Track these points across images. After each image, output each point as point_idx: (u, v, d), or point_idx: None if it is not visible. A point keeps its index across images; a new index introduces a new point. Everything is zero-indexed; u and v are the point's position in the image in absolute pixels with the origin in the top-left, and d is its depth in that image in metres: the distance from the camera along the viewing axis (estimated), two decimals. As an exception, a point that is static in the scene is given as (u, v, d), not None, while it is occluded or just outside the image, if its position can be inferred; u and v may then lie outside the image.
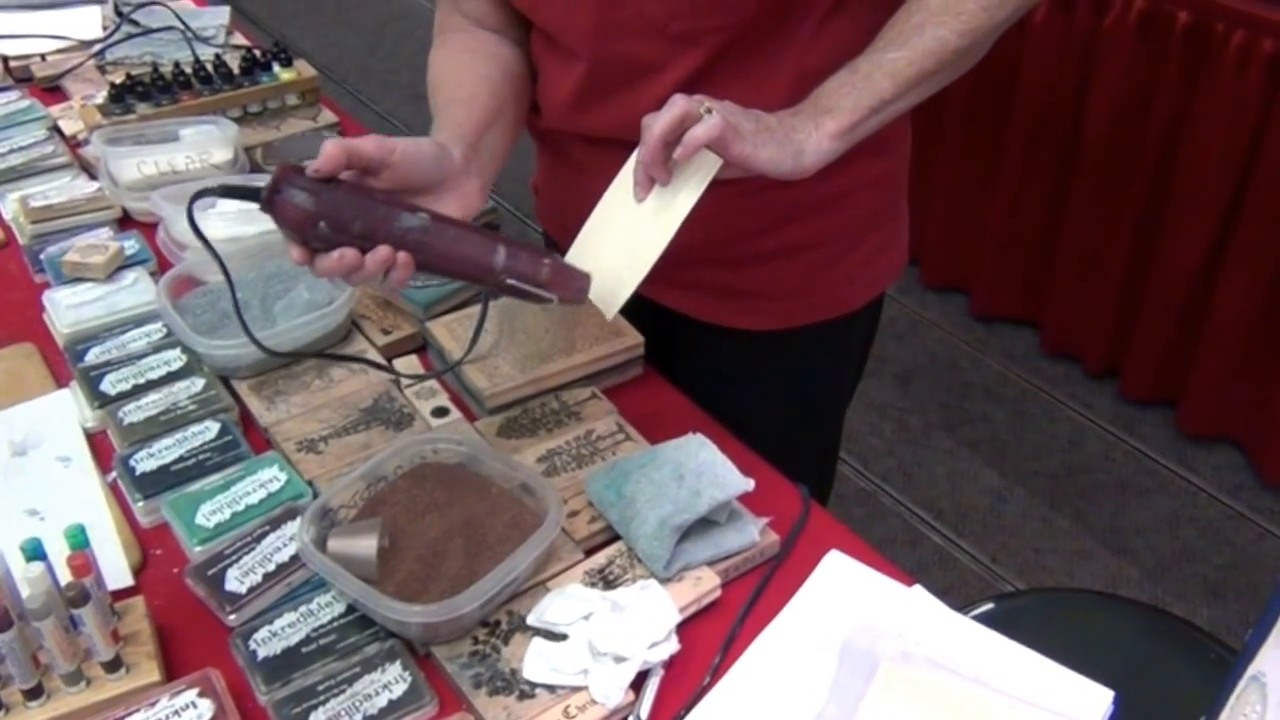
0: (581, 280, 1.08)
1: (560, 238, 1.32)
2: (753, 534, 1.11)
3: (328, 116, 1.82)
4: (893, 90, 1.08)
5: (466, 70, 1.23)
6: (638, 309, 1.18)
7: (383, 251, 0.98)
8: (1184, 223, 2.58)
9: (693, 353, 1.47)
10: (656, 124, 1.00)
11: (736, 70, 1.18)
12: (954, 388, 3.02)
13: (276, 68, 1.80)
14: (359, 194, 0.99)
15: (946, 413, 2.94)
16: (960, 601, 1.41)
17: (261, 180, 1.01)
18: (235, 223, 1.44)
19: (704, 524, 1.09)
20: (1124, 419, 2.89)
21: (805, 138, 1.06)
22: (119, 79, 1.77)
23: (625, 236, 1.09)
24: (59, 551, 0.95)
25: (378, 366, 1.31)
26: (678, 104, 1.00)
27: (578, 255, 1.12)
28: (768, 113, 1.06)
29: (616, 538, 1.12)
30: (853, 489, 2.72)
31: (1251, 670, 0.87)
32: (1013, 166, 2.88)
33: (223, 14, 2.08)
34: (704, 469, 1.12)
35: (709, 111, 1.00)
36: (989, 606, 1.44)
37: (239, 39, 2.04)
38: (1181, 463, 2.77)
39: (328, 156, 0.96)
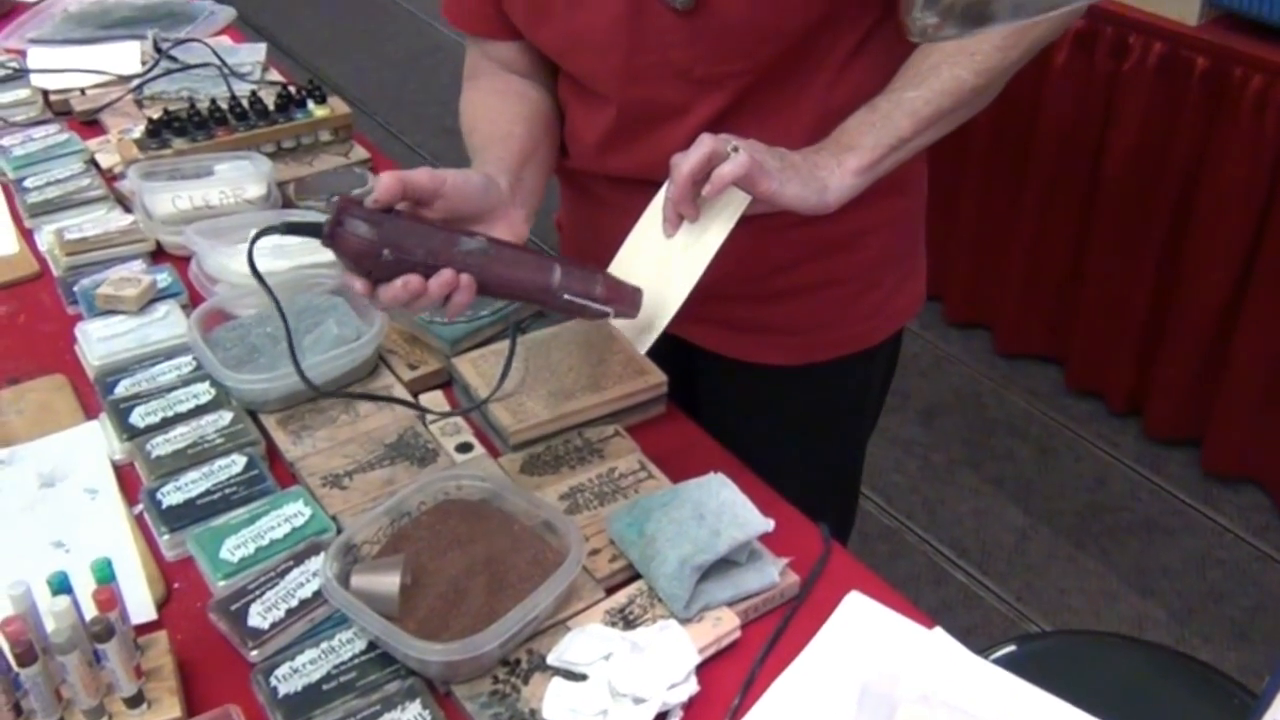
0: (634, 294, 1.11)
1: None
2: (773, 574, 1.11)
3: (359, 152, 1.84)
4: (911, 128, 1.11)
5: (500, 111, 1.26)
6: (660, 346, 1.19)
7: (446, 274, 1.01)
8: (1205, 261, 2.58)
9: (714, 387, 1.48)
10: (685, 163, 1.02)
11: (759, 111, 1.20)
12: (978, 424, 3.01)
13: (311, 104, 1.83)
14: (417, 222, 1.03)
15: (971, 449, 2.93)
16: (984, 641, 1.41)
17: (312, 215, 1.03)
18: (267, 257, 1.45)
19: (724, 564, 1.10)
20: (1149, 457, 2.88)
21: (829, 174, 1.08)
22: (156, 114, 1.80)
23: (656, 272, 1.11)
24: (85, 584, 0.96)
25: (405, 404, 1.32)
26: (705, 143, 1.02)
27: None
28: (791, 150, 1.08)
29: (637, 576, 1.12)
30: (876, 526, 2.71)
31: (1269, 717, 0.87)
32: (1035, 204, 2.88)
33: (259, 50, 2.11)
34: (724, 509, 1.12)
35: (736, 150, 1.02)
36: (1011, 649, 1.43)
37: (274, 75, 2.06)
38: (1207, 502, 2.75)
39: (384, 188, 0.99)
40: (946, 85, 1.11)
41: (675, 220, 1.08)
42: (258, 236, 1.06)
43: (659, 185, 1.16)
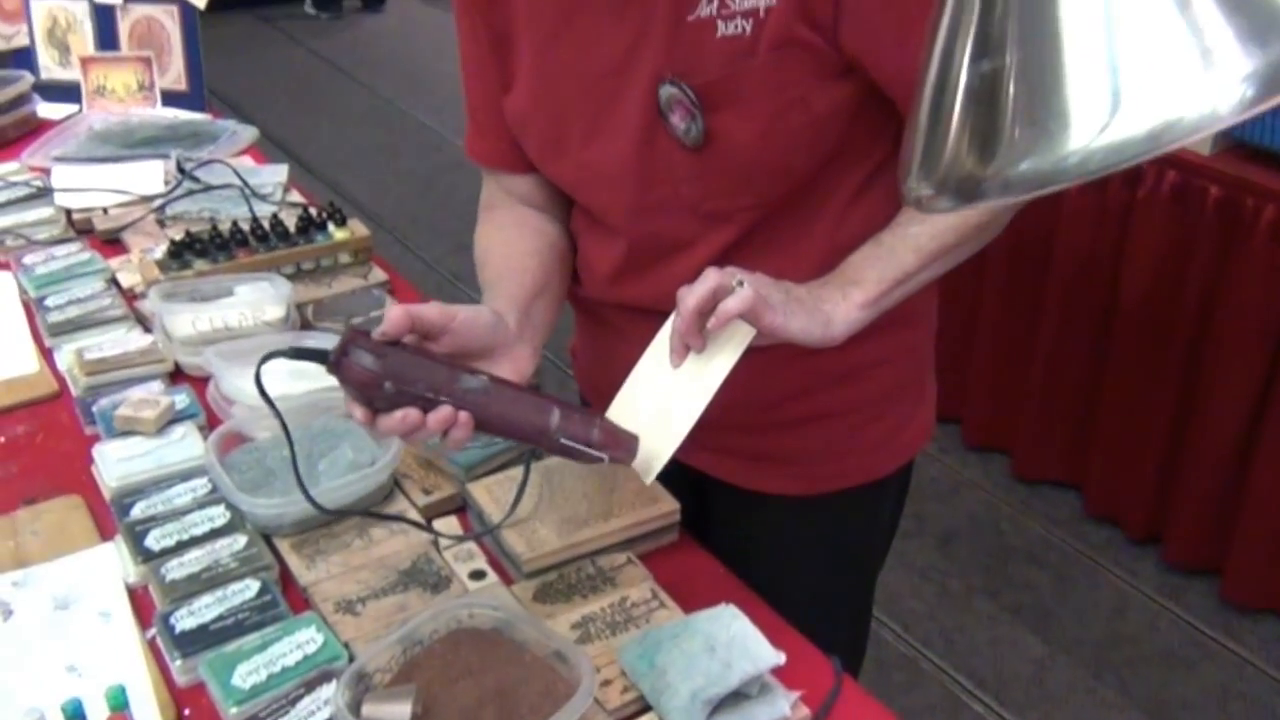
0: (630, 441, 1.11)
1: (597, 401, 1.35)
2: (784, 708, 1.09)
3: (378, 275, 1.86)
4: (916, 263, 1.13)
5: (514, 244, 1.28)
6: (672, 473, 1.20)
7: (445, 411, 1.02)
8: (1222, 389, 2.58)
9: (725, 515, 1.48)
10: (691, 296, 1.03)
11: (768, 245, 1.21)
12: (996, 551, 2.98)
13: (331, 227, 1.86)
14: (421, 357, 1.04)
15: (988, 576, 2.90)
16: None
17: (321, 340, 1.05)
18: (284, 380, 1.47)
19: (735, 697, 1.08)
20: (1169, 587, 2.84)
21: (834, 308, 1.10)
22: (178, 233, 1.83)
23: (662, 402, 1.12)
24: (98, 711, 0.95)
25: (419, 526, 1.32)
26: (710, 277, 1.03)
27: (615, 418, 1.14)
28: (797, 284, 1.09)
29: (649, 708, 1.11)
30: (893, 653, 2.68)
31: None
32: (1052, 328, 2.89)
33: (281, 172, 2.15)
34: (736, 641, 1.11)
35: (741, 284, 1.03)
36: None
37: (295, 195, 2.10)
38: (1228, 634, 2.71)
39: (392, 321, 1.01)
40: (951, 221, 1.13)
41: (681, 351, 1.09)
42: (264, 360, 1.07)
43: (670, 315, 1.17)
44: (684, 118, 1.12)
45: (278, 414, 1.13)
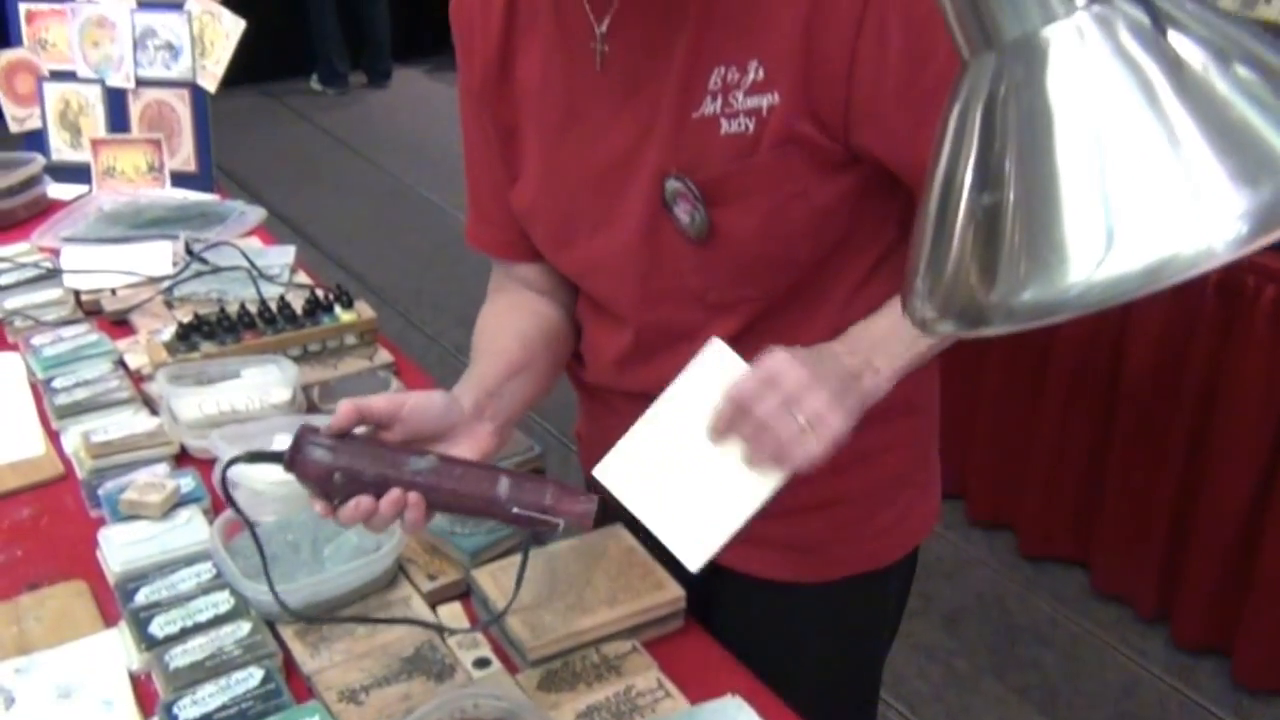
0: (587, 503, 1.12)
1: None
2: (793, 803, 1.09)
3: (384, 356, 1.87)
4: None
5: (505, 327, 1.31)
6: (676, 559, 1.20)
7: (394, 494, 1.06)
8: (1227, 467, 2.58)
9: (730, 601, 1.47)
10: (760, 407, 1.05)
11: (772, 332, 1.22)
12: (1003, 630, 2.96)
13: (338, 309, 1.87)
14: (371, 445, 1.09)
15: (996, 656, 2.88)
16: None
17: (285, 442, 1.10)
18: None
19: (744, 792, 1.08)
20: (1178, 667, 2.82)
21: (871, 386, 1.11)
22: (185, 314, 1.84)
23: (709, 482, 1.11)
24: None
25: (422, 625, 1.31)
26: (769, 371, 1.06)
27: (622, 461, 1.15)
28: (828, 358, 1.10)
29: (655, 802, 1.10)
30: (898, 734, 2.65)
31: None
32: (1055, 404, 2.90)
33: (288, 253, 2.16)
34: (744, 733, 1.11)
35: (808, 425, 1.04)
36: None
37: (302, 276, 2.12)
38: (1239, 715, 2.68)
39: (340, 415, 1.07)
40: None
41: (725, 435, 1.10)
42: (226, 466, 1.15)
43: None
44: (688, 211, 1.13)
45: (241, 514, 1.19)
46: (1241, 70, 0.45)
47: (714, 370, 1.11)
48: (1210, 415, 2.58)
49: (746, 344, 1.18)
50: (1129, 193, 0.44)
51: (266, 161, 6.06)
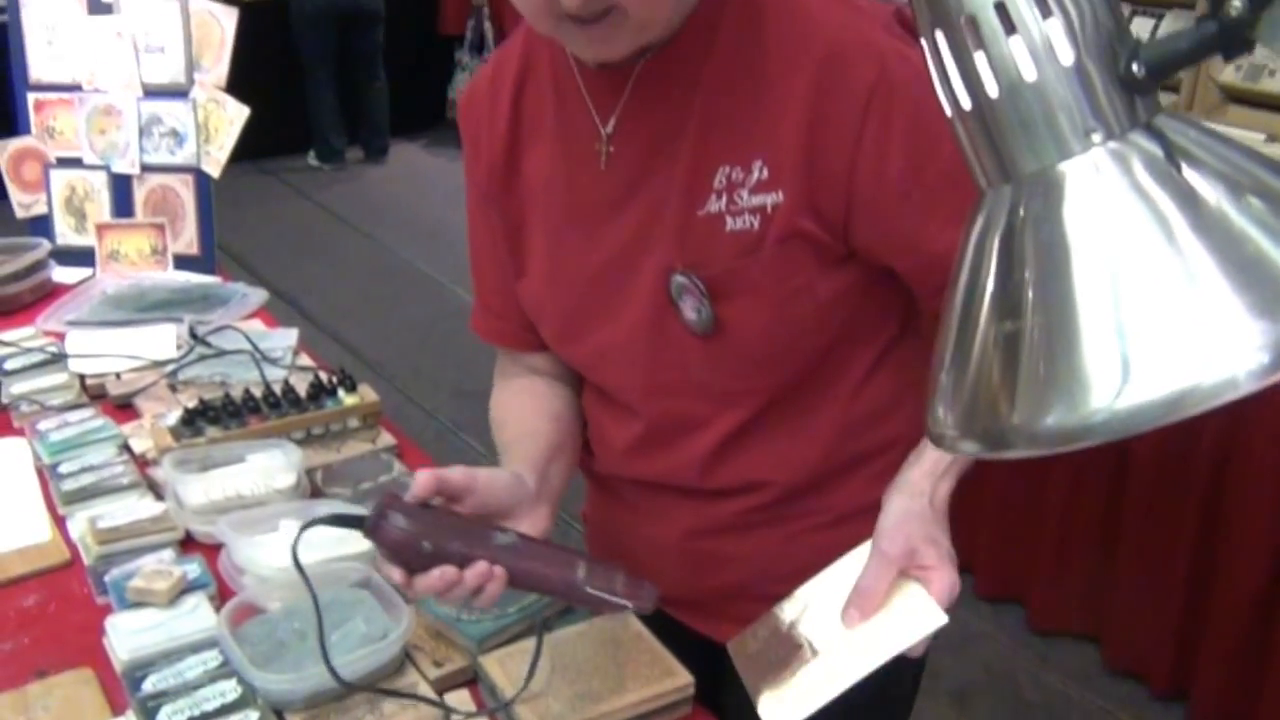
0: (651, 591, 1.16)
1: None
2: None
3: (386, 439, 1.88)
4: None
5: (530, 410, 1.33)
6: (684, 642, 1.21)
7: (481, 566, 1.07)
8: (1242, 540, 2.56)
9: (739, 687, 1.47)
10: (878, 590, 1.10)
11: (781, 422, 1.24)
12: (1014, 707, 2.93)
13: (341, 392, 1.88)
14: (452, 517, 1.11)
15: (1005, 733, 2.86)
16: None
17: (334, 507, 1.11)
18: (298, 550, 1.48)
19: None
20: (1192, 744, 2.79)
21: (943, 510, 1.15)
22: (189, 398, 1.85)
23: (820, 656, 1.13)
24: None
25: (432, 703, 1.31)
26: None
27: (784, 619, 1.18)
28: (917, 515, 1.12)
29: None
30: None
31: None
32: (1065, 475, 2.88)
33: (291, 336, 2.18)
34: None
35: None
36: None
37: (304, 359, 2.13)
38: (1251, 793, 2.66)
39: (423, 484, 1.08)
40: None
41: (855, 618, 1.12)
42: (304, 528, 1.14)
43: (682, 490, 1.20)
44: (694, 307, 1.15)
45: (309, 585, 1.17)
46: (1256, 203, 0.47)
47: (853, 564, 1.13)
48: (1223, 487, 2.58)
49: (754, 436, 1.20)
50: (1146, 325, 0.46)
51: (264, 237, 6.10)
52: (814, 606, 1.16)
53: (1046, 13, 0.48)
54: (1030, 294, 0.49)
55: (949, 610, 1.10)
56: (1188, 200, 0.47)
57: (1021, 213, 0.50)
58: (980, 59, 0.49)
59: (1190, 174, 0.48)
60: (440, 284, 5.66)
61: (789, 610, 1.17)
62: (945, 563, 1.07)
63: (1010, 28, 0.48)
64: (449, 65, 7.70)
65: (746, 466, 1.25)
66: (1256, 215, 0.47)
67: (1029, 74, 0.49)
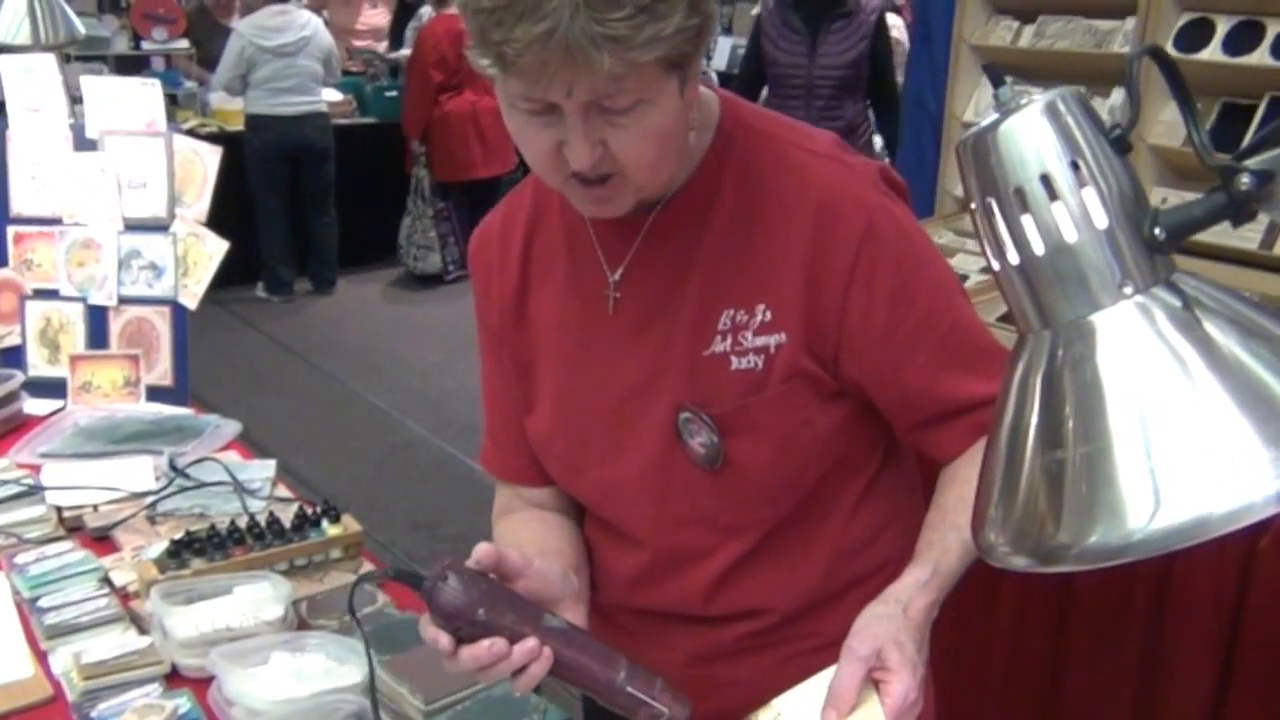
0: (685, 704, 1.16)
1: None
2: None
3: (368, 568, 1.90)
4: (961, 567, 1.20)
5: (544, 535, 1.36)
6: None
7: (531, 642, 1.08)
8: (1185, 664, 2.62)
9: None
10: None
11: (782, 550, 1.29)
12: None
13: (325, 523, 1.91)
14: (508, 592, 1.11)
15: None
16: None
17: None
18: (288, 683, 1.49)
19: None
20: None
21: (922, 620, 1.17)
22: (168, 528, 1.87)
23: None
24: None
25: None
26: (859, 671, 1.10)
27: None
28: (886, 617, 1.15)
29: None
30: None
31: None
32: (1010, 610, 2.93)
33: (269, 467, 2.21)
34: None
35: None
36: None
37: (282, 490, 2.15)
38: None
39: (485, 553, 1.10)
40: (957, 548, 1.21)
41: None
42: (358, 582, 1.19)
43: (684, 618, 1.24)
44: (702, 443, 1.21)
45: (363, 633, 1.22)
46: (1262, 347, 0.54)
47: (829, 676, 1.16)
48: (1163, 617, 2.64)
49: (755, 564, 1.25)
50: (1174, 456, 0.53)
51: (211, 367, 6.08)
52: (785, 715, 1.18)
53: (1082, 183, 0.56)
54: (1071, 427, 0.55)
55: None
56: (1205, 346, 0.54)
57: (1061, 355, 0.57)
58: (1028, 222, 0.56)
59: (1206, 323, 0.55)
60: (391, 416, 5.67)
61: (762, 717, 1.20)
62: (904, 668, 1.09)
63: (1053, 195, 0.56)
64: (400, 201, 7.81)
65: (748, 594, 1.30)
66: (1264, 357, 0.54)
67: (1070, 236, 0.56)
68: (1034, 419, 0.57)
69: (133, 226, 2.45)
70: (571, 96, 1.02)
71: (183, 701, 1.54)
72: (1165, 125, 3.04)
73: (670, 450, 1.24)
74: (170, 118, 2.52)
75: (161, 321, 2.47)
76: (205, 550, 1.82)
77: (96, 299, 2.47)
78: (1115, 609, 2.72)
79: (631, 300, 1.24)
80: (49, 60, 2.53)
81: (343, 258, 7.62)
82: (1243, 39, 2.91)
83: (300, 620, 1.74)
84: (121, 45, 8.16)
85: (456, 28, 7.09)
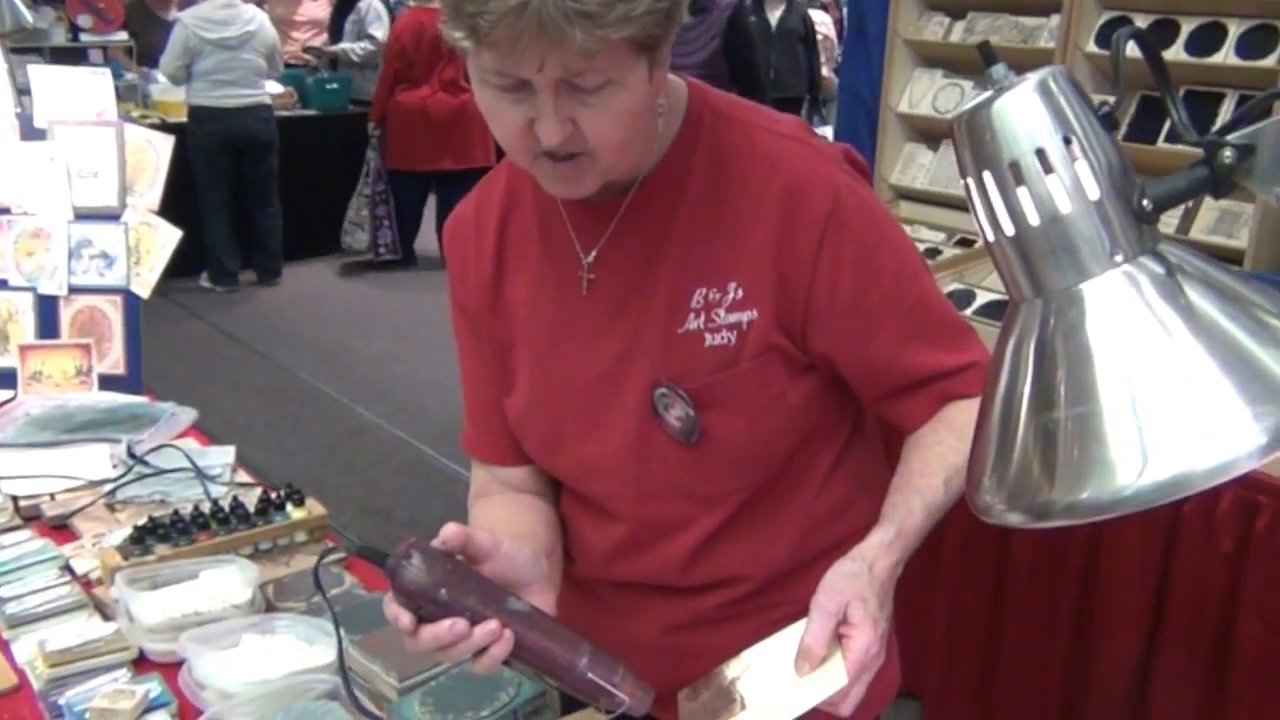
0: (647, 691, 1.17)
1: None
2: None
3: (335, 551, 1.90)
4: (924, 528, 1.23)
5: (518, 517, 1.37)
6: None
7: (492, 625, 1.08)
8: (1114, 622, 2.70)
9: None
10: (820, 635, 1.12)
11: (753, 522, 1.32)
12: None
13: (289, 507, 1.91)
14: (473, 574, 1.11)
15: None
16: None
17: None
18: (261, 663, 1.50)
19: None
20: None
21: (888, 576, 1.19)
22: (128, 517, 1.86)
23: (748, 701, 1.18)
24: None
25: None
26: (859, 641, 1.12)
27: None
28: (852, 574, 1.17)
29: None
30: None
31: None
32: (951, 573, 2.99)
33: (228, 453, 2.20)
34: None
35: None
36: None
37: (242, 475, 2.15)
38: None
39: (452, 534, 1.10)
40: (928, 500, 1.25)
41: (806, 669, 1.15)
42: (322, 557, 1.23)
43: (661, 589, 1.26)
44: (678, 417, 1.23)
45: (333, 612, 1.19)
46: (1241, 312, 0.57)
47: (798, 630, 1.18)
48: (1095, 578, 2.72)
49: (731, 534, 1.27)
50: (1159, 416, 0.56)
51: (160, 358, 6.00)
52: (755, 667, 1.21)
53: (1074, 156, 0.58)
54: (1063, 390, 0.58)
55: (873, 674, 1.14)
56: (1188, 312, 0.57)
57: (1052, 323, 0.60)
58: (1023, 194, 0.59)
59: (1189, 291, 0.58)
60: (340, 403, 5.64)
61: (732, 668, 1.22)
62: (866, 623, 1.11)
63: (1047, 168, 0.58)
64: (345, 191, 7.77)
65: (724, 563, 1.32)
66: (1242, 321, 0.57)
67: (1064, 207, 0.59)
68: (1028, 383, 0.60)
69: (83, 216, 2.43)
70: (543, 72, 1.03)
71: (153, 685, 1.54)
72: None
73: (647, 425, 1.26)
74: (114, 107, 2.49)
75: (113, 310, 2.45)
76: (169, 536, 1.82)
77: (47, 288, 2.45)
78: (1050, 571, 2.79)
79: (605, 282, 1.26)
80: (-6, 49, 2.51)
81: (286, 248, 7.58)
82: (1161, 35, 3.04)
83: (268, 603, 1.74)
84: (59, 38, 8.01)
85: (419, 22, 7.09)
